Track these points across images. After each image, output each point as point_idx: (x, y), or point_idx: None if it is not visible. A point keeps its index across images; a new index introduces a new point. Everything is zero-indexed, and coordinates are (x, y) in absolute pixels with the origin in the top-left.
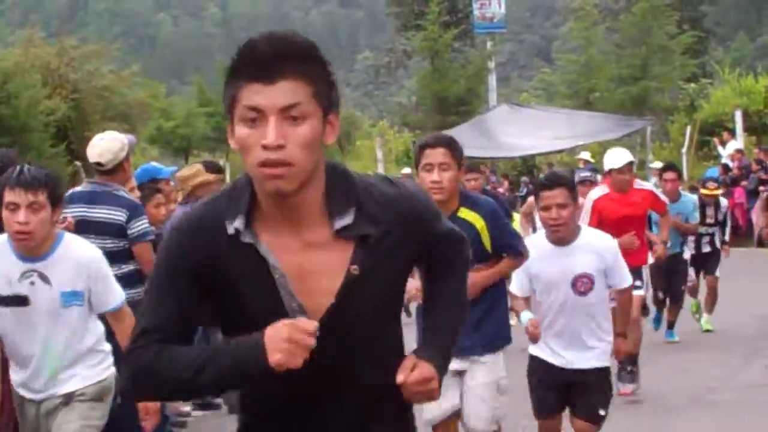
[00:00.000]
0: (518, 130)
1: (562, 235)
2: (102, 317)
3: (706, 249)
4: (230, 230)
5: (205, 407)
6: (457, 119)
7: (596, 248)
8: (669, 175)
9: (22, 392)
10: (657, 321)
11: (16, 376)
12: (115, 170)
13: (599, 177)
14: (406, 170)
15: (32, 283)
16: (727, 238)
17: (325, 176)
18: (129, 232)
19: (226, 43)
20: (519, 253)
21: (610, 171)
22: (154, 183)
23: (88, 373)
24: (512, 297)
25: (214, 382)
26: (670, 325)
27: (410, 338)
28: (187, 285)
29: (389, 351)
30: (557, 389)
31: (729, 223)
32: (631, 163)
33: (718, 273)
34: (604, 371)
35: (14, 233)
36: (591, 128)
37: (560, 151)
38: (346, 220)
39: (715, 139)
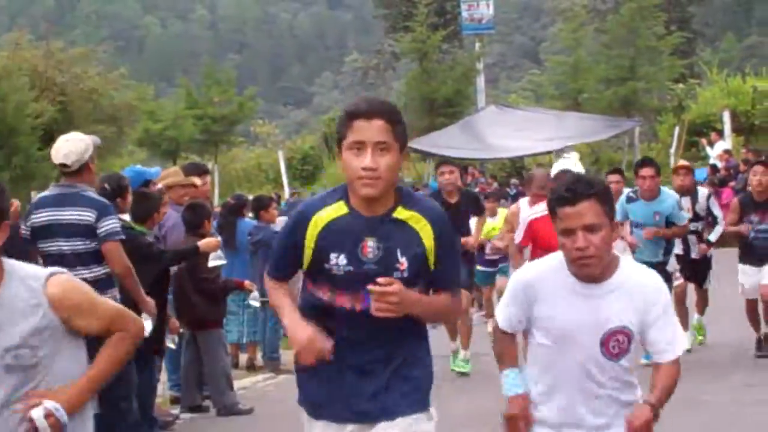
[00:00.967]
0: (506, 131)
1: (592, 272)
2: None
3: (694, 253)
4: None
5: (193, 410)
6: (446, 121)
7: (641, 291)
8: (646, 170)
9: None
10: None
11: None
12: (81, 171)
13: None
14: None
15: None
16: (713, 236)
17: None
18: (98, 231)
19: (214, 46)
20: (455, 296)
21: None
22: (146, 186)
23: None
24: (495, 331)
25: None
26: None
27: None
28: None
29: None
30: None
31: (720, 219)
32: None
33: (708, 284)
34: None
35: None
36: (579, 129)
37: (548, 153)
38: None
39: (703, 140)
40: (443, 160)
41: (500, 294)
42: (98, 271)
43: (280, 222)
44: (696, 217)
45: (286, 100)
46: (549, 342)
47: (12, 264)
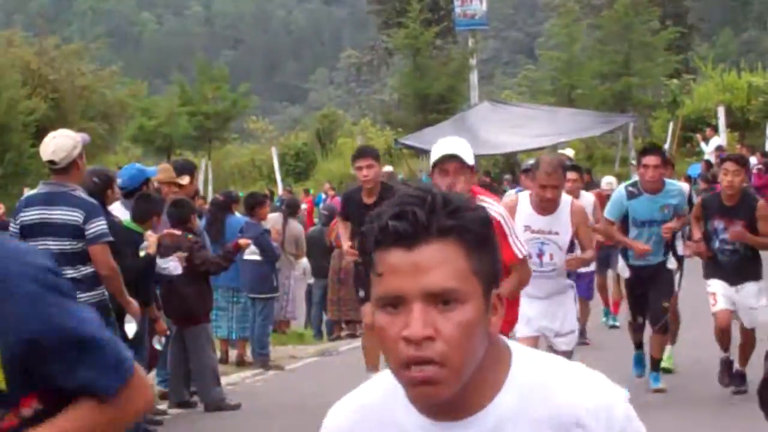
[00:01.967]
0: (500, 127)
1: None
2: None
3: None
4: None
5: (181, 405)
6: (439, 117)
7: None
8: (650, 159)
9: None
10: (638, 363)
11: None
12: (69, 168)
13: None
14: (388, 168)
15: None
16: (681, 250)
17: None
18: (86, 233)
19: (210, 42)
20: None
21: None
22: (147, 184)
23: None
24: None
25: None
26: (654, 366)
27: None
28: None
29: None
30: None
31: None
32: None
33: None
34: None
35: None
36: (573, 125)
37: (542, 149)
38: None
39: (698, 135)
40: (361, 152)
41: None
42: (85, 270)
43: (272, 219)
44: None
45: (281, 96)
46: None
47: None
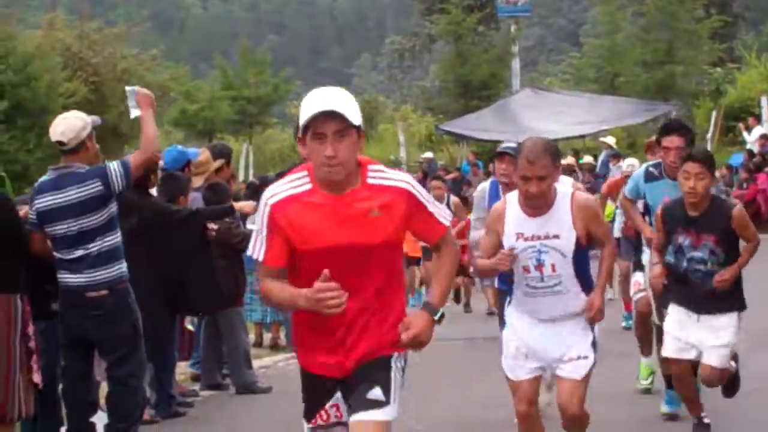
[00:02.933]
0: (541, 114)
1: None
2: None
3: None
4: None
5: (213, 388)
6: (480, 103)
7: None
8: (671, 140)
9: None
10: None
11: None
12: (78, 149)
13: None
14: (428, 154)
15: None
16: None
17: None
18: (115, 181)
19: (254, 27)
20: None
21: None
22: (188, 165)
23: None
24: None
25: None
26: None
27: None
28: None
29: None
30: None
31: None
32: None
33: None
34: None
35: None
36: (615, 113)
37: (583, 136)
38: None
39: (740, 125)
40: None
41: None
42: (104, 243)
43: None
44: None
45: (326, 82)
46: None
47: None
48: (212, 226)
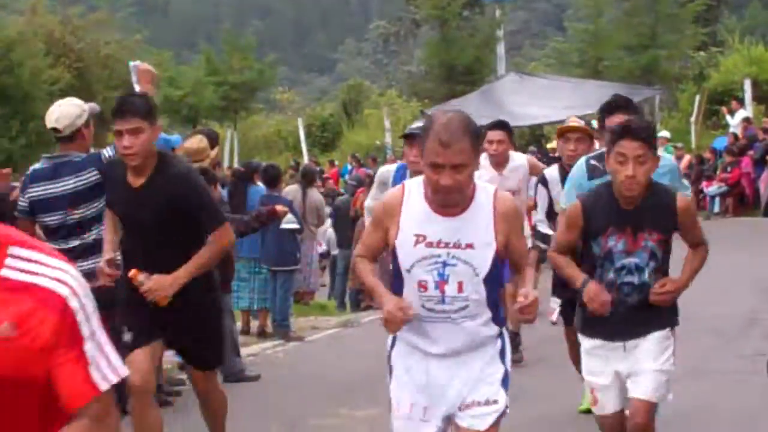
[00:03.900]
0: (526, 99)
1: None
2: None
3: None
4: None
5: None
6: (466, 88)
7: None
8: (619, 117)
9: None
10: None
11: None
12: (73, 137)
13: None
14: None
15: None
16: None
17: None
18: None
19: (238, 12)
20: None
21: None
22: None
23: None
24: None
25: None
26: None
27: None
28: None
29: None
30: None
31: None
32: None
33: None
34: None
35: None
36: (599, 97)
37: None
38: None
39: (723, 109)
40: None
41: None
42: (99, 232)
43: (291, 191)
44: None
45: (310, 67)
46: None
47: None
48: None
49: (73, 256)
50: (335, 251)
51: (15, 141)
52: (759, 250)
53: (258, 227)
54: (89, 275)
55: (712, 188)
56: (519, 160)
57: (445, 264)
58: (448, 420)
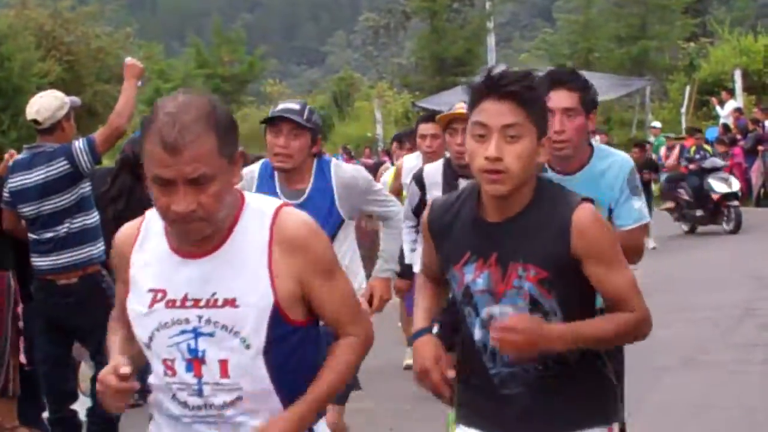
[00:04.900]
0: None
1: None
2: None
3: None
4: None
5: None
6: (456, 80)
7: None
8: (558, 98)
9: None
10: None
11: None
12: (53, 129)
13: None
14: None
15: None
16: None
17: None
18: (81, 159)
19: (227, 4)
20: None
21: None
22: None
23: None
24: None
25: None
26: None
27: None
28: None
29: None
30: None
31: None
32: None
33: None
34: None
35: None
36: None
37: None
38: None
39: (713, 99)
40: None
41: None
42: (80, 221)
43: None
44: None
45: (300, 60)
46: None
47: None
48: None
49: (48, 248)
50: None
51: (6, 135)
52: (752, 239)
53: None
54: (60, 270)
55: None
56: None
57: (196, 333)
58: None
